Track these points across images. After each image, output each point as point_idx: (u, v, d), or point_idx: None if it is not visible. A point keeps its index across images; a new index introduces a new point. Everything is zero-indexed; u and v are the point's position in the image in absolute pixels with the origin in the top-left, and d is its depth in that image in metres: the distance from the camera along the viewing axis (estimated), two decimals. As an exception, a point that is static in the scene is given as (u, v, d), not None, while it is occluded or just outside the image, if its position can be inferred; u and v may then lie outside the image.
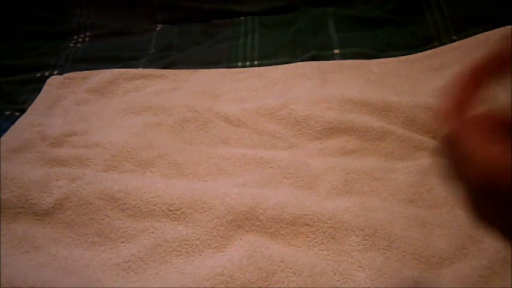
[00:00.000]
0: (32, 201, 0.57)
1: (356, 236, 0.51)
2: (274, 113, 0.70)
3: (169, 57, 0.90)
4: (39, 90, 0.82)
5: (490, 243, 0.50)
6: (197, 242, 0.52)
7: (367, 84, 0.74)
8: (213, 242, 0.52)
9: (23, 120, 0.74)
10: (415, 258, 0.49)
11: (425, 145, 0.63)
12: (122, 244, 0.53)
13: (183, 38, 0.97)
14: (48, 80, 0.84)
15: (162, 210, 0.55)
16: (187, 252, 0.52)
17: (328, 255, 0.51)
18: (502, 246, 0.48)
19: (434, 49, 0.80)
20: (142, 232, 0.54)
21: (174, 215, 0.54)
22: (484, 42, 0.77)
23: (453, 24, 0.84)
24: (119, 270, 0.51)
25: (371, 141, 0.65)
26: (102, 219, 0.55)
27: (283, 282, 0.48)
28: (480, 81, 0.25)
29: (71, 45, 0.99)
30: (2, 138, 0.70)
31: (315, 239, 0.52)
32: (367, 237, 0.51)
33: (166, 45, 0.95)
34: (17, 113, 0.80)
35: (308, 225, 0.53)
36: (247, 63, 0.86)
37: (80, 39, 1.01)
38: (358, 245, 0.51)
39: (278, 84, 0.78)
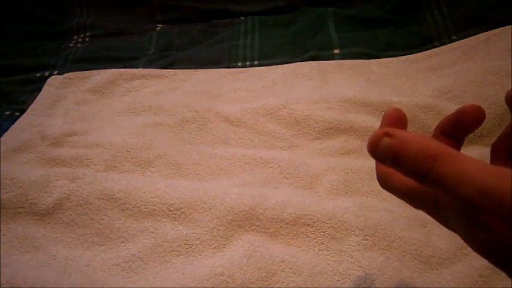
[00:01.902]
0: (32, 201, 0.57)
1: (356, 236, 0.51)
2: (274, 113, 0.70)
3: (169, 57, 0.90)
4: (39, 90, 0.82)
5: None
6: (197, 242, 0.52)
7: (367, 84, 0.74)
8: (213, 242, 0.52)
9: (23, 120, 0.75)
10: (415, 258, 0.49)
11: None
12: (122, 244, 0.53)
13: (183, 38, 0.97)
14: (48, 80, 0.84)
15: (162, 210, 0.55)
16: (187, 252, 0.52)
17: (328, 255, 0.51)
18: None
19: (434, 49, 0.80)
20: (142, 232, 0.54)
21: (174, 215, 0.54)
22: (484, 42, 0.77)
23: (453, 24, 0.84)
24: (118, 270, 0.51)
25: (371, 141, 0.65)
26: (102, 219, 0.55)
27: (283, 282, 0.48)
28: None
29: (71, 45, 0.99)
30: (2, 138, 0.70)
31: (315, 239, 0.52)
32: (367, 237, 0.51)
33: (166, 45, 0.95)
34: (17, 113, 0.80)
35: (308, 225, 0.53)
36: (247, 63, 0.86)
37: (80, 39, 1.01)
38: (358, 245, 0.51)
39: (278, 84, 0.78)
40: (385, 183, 0.29)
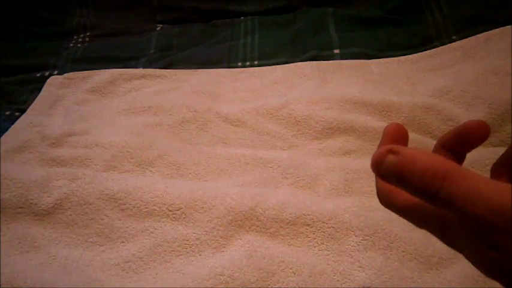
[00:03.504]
0: (32, 201, 0.57)
1: (356, 236, 0.51)
2: (274, 113, 0.70)
3: (169, 57, 0.90)
4: (39, 90, 0.82)
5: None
6: (197, 242, 0.52)
7: (367, 84, 0.74)
8: (213, 242, 0.52)
9: (23, 120, 0.75)
10: (415, 258, 0.49)
11: (425, 145, 0.63)
12: (122, 244, 0.53)
13: (183, 38, 0.97)
14: (48, 80, 0.84)
15: (162, 210, 0.55)
16: (187, 252, 0.52)
17: (328, 255, 0.51)
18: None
19: (434, 49, 0.80)
20: (142, 232, 0.54)
21: (174, 215, 0.54)
22: (484, 42, 0.77)
23: (453, 24, 0.84)
24: (118, 270, 0.51)
25: (371, 141, 0.65)
26: (102, 219, 0.55)
27: (283, 282, 0.48)
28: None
29: (71, 45, 0.99)
30: (2, 138, 0.70)
31: (315, 239, 0.52)
32: (367, 237, 0.51)
33: (166, 45, 0.95)
34: (17, 113, 0.80)
35: (308, 225, 0.53)
36: (247, 63, 0.86)
37: (80, 39, 1.01)
38: (358, 245, 0.51)
39: (278, 84, 0.78)
40: (387, 201, 0.28)
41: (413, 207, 0.26)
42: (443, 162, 0.20)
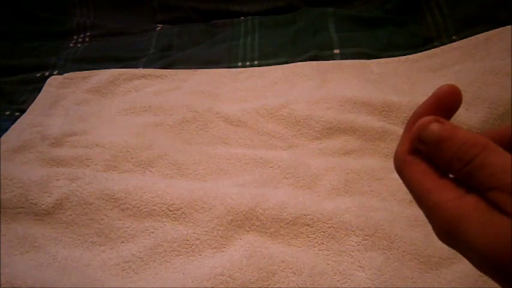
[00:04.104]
0: (32, 201, 0.57)
1: (356, 236, 0.51)
2: (274, 113, 0.70)
3: (169, 57, 0.90)
4: (39, 90, 0.82)
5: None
6: (197, 242, 0.52)
7: (367, 84, 0.74)
8: (213, 242, 0.52)
9: (23, 120, 0.75)
10: (415, 258, 0.49)
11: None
12: (122, 244, 0.53)
13: (183, 38, 0.97)
14: (48, 80, 0.84)
15: (162, 210, 0.55)
16: (187, 252, 0.52)
17: (328, 255, 0.51)
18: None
19: (434, 49, 0.80)
20: (142, 232, 0.54)
21: (174, 215, 0.54)
22: (484, 42, 0.77)
23: (453, 24, 0.84)
24: (118, 270, 0.51)
25: (371, 141, 0.65)
26: (102, 219, 0.55)
27: (283, 282, 0.48)
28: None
29: (71, 45, 0.99)
30: (2, 138, 0.70)
31: (315, 239, 0.52)
32: (367, 237, 0.51)
33: (166, 45, 0.95)
34: (17, 113, 0.80)
35: (308, 225, 0.53)
36: (247, 63, 0.86)
37: (80, 39, 1.01)
38: (358, 245, 0.51)
39: (278, 84, 0.78)
40: (401, 167, 0.27)
41: (423, 181, 0.26)
42: (484, 138, 0.22)
